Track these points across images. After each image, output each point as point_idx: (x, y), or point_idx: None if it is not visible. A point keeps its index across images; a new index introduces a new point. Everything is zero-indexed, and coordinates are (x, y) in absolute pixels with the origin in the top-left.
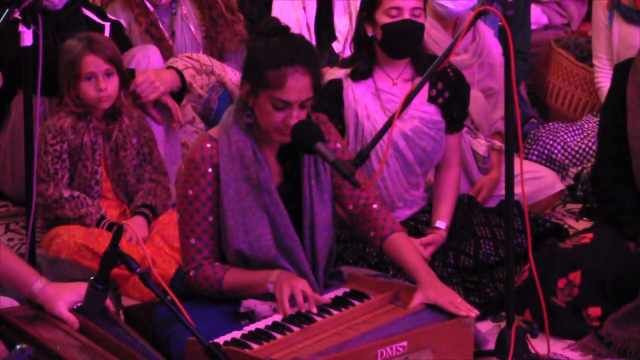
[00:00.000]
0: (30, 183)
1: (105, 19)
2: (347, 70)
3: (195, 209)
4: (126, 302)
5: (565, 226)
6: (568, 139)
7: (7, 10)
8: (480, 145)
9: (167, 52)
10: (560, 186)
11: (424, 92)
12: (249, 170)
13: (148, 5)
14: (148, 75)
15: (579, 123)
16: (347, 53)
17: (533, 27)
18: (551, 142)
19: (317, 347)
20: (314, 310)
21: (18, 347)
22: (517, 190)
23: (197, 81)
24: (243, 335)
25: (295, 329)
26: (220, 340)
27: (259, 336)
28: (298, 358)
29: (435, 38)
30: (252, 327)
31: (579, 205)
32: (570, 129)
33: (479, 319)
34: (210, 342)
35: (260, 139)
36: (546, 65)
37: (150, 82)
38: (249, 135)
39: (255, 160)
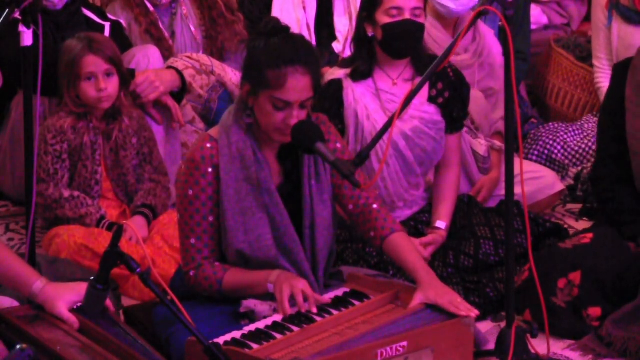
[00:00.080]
0: (30, 183)
1: (105, 19)
2: (347, 70)
3: (195, 208)
4: (126, 302)
5: (565, 226)
6: (568, 139)
7: (7, 10)
8: (480, 145)
9: (167, 52)
10: (560, 186)
11: (424, 92)
12: (249, 170)
13: (148, 5)
14: (148, 75)
15: (579, 123)
16: (347, 53)
17: (533, 27)
18: (551, 142)
19: (317, 347)
20: (314, 310)
21: (18, 347)
22: (517, 190)
23: (197, 81)
24: (243, 335)
25: (295, 329)
26: (220, 340)
27: (259, 336)
28: (298, 358)
29: (436, 38)
30: (252, 327)
31: (579, 205)
32: (570, 129)
33: (479, 319)
34: (210, 342)
35: (260, 139)
36: (546, 65)
37: (150, 82)
38: (249, 135)
39: (256, 160)
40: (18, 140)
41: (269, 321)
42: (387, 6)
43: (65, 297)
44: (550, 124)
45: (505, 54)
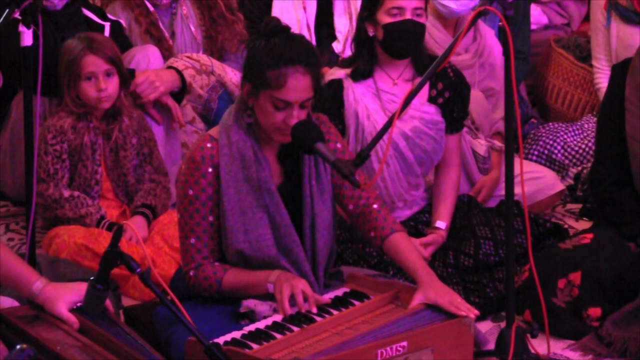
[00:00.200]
0: (30, 183)
1: (105, 19)
2: (348, 71)
3: (195, 208)
4: (126, 302)
5: (565, 226)
6: (568, 139)
7: (7, 10)
8: (481, 145)
9: (167, 52)
10: (560, 186)
11: (424, 92)
12: (249, 170)
13: (148, 5)
14: (148, 75)
15: (579, 123)
16: (347, 53)
17: (533, 27)
18: (551, 142)
19: (317, 347)
20: (314, 310)
21: (18, 347)
22: (517, 190)
23: (197, 81)
24: (243, 335)
25: (295, 329)
26: (220, 340)
27: (259, 336)
28: (298, 358)
29: (437, 38)
30: (252, 327)
31: (579, 205)
32: (570, 129)
33: (479, 319)
34: (210, 342)
35: (260, 138)
36: (546, 65)
37: (150, 82)
38: (249, 135)
39: (256, 160)
40: (18, 140)
41: (269, 321)
42: (388, 6)
43: (65, 297)
44: (550, 124)
45: (505, 54)
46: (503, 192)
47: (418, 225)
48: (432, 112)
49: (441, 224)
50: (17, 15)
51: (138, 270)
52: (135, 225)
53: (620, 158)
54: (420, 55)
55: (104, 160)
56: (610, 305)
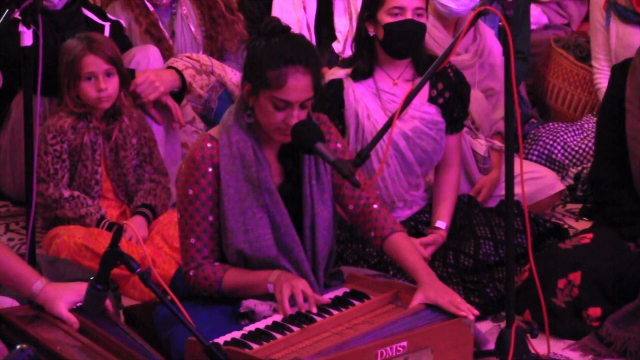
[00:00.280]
0: (30, 183)
1: (105, 19)
2: (348, 70)
3: (195, 208)
4: (126, 302)
5: (565, 226)
6: (568, 139)
7: (7, 10)
8: (480, 145)
9: (167, 52)
10: (560, 186)
11: (425, 92)
12: (249, 170)
13: (148, 5)
14: (148, 75)
15: (579, 123)
16: (347, 53)
17: (533, 27)
18: (551, 142)
19: (317, 347)
20: (314, 310)
21: (18, 347)
22: (517, 190)
23: (197, 81)
24: (243, 335)
25: (295, 329)
26: (220, 340)
27: (259, 336)
28: (298, 358)
29: (437, 38)
30: (252, 327)
31: (579, 205)
32: (570, 129)
33: (479, 319)
34: (210, 342)
35: (260, 138)
36: (546, 65)
37: (150, 82)
38: (249, 135)
39: (256, 160)
40: (18, 140)
41: (269, 321)
42: (389, 6)
43: (65, 297)
44: (550, 124)
45: (505, 54)
46: (503, 192)
47: (418, 225)
48: (433, 112)
49: (441, 224)
50: (17, 15)
51: (138, 270)
52: (135, 225)
53: (620, 159)
54: (421, 55)
55: (104, 160)
56: (610, 305)
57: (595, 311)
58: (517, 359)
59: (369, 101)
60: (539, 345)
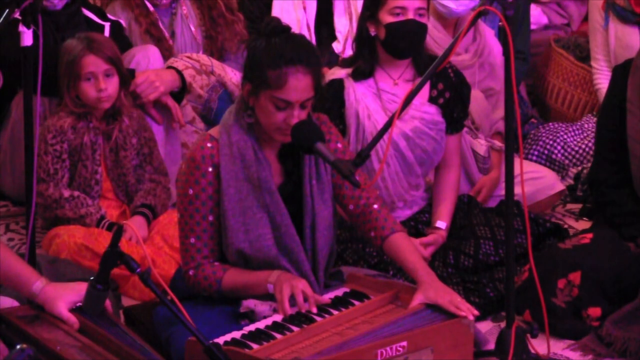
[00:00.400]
0: (30, 183)
1: (105, 19)
2: (349, 70)
3: (195, 208)
4: (126, 302)
5: (565, 226)
6: (568, 139)
7: (7, 10)
8: (480, 145)
9: (167, 52)
10: (560, 186)
11: (425, 92)
12: (249, 169)
13: (148, 5)
14: (148, 75)
15: (579, 123)
16: (347, 53)
17: (533, 27)
18: (551, 142)
19: (317, 347)
20: (314, 310)
21: (18, 347)
22: (517, 190)
23: (197, 81)
24: (243, 335)
25: (295, 329)
26: (220, 340)
27: (259, 336)
28: (298, 358)
29: (436, 38)
30: (252, 327)
31: (579, 205)
32: (570, 129)
33: (479, 319)
34: (210, 342)
35: (261, 138)
36: (546, 65)
37: (150, 82)
38: (250, 134)
39: (256, 159)
40: (18, 140)
41: (269, 321)
42: (391, 5)
43: (65, 297)
44: (550, 124)
45: (505, 54)
46: (503, 192)
47: (418, 225)
48: (433, 113)
49: (441, 224)
50: (17, 15)
51: (138, 270)
52: (135, 225)
53: (620, 159)
54: (421, 55)
55: (104, 160)
56: (610, 305)
57: (595, 311)
58: (517, 359)
59: (370, 101)
60: (539, 345)
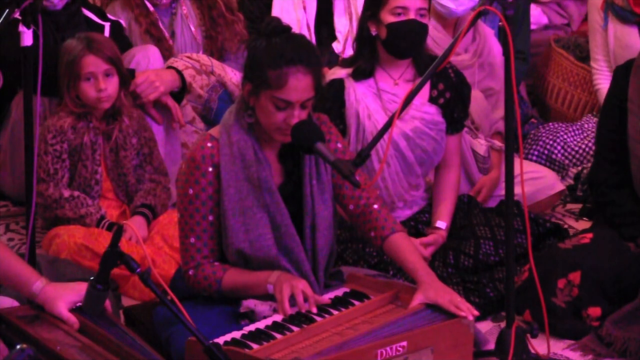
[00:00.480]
0: (30, 183)
1: (105, 19)
2: (349, 70)
3: (195, 208)
4: (126, 302)
5: (565, 226)
6: (568, 139)
7: (7, 10)
8: (480, 145)
9: (167, 52)
10: (560, 186)
11: (425, 92)
12: (249, 169)
13: (148, 5)
14: (148, 75)
15: (579, 123)
16: (347, 53)
17: (533, 27)
18: (551, 142)
19: (317, 347)
20: (314, 310)
21: (18, 347)
22: (517, 190)
23: (197, 81)
24: (243, 335)
25: (295, 329)
26: (220, 340)
27: (259, 336)
28: (298, 358)
29: (436, 38)
30: (252, 327)
31: (579, 205)
32: (570, 129)
33: (479, 319)
34: (210, 342)
35: (261, 138)
36: (546, 65)
37: (150, 82)
38: (250, 134)
39: (256, 159)
40: (18, 140)
41: (269, 321)
42: (392, 5)
43: (65, 297)
44: (550, 124)
45: (505, 54)
46: (503, 192)
47: (418, 225)
48: (433, 113)
49: (441, 224)
50: (17, 15)
51: (138, 270)
52: (135, 225)
53: (620, 160)
54: (422, 55)
55: (104, 160)
56: (610, 305)
57: (595, 311)
58: (517, 359)
59: (370, 101)
60: (539, 345)
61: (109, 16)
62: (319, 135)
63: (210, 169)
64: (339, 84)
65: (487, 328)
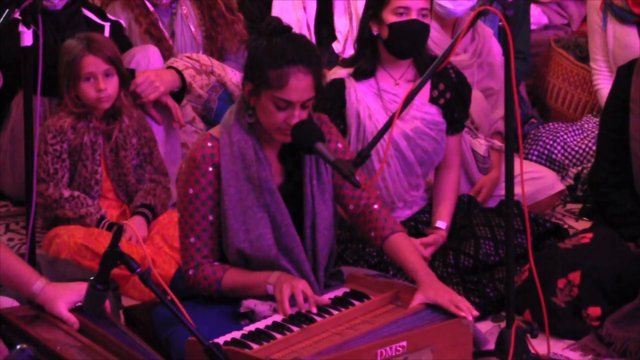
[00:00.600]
0: (30, 183)
1: (105, 19)
2: (350, 70)
3: (195, 207)
4: (126, 302)
5: (565, 226)
6: (568, 139)
7: (7, 10)
8: (480, 145)
9: (167, 52)
10: (560, 186)
11: (426, 92)
12: (250, 169)
13: (148, 5)
14: (148, 75)
15: (579, 123)
16: (347, 53)
17: (533, 27)
18: (551, 142)
19: (317, 347)
20: (314, 310)
21: (18, 347)
22: (517, 190)
23: (197, 81)
24: (243, 335)
25: (295, 329)
26: (220, 340)
27: (259, 336)
28: (298, 358)
29: (435, 38)
30: (252, 327)
31: (579, 205)
32: (570, 129)
33: (479, 319)
34: (210, 342)
35: (261, 138)
36: (546, 65)
37: (150, 82)
38: (250, 134)
39: (257, 159)
40: (18, 140)
41: (269, 321)
42: (394, 5)
43: (65, 297)
44: (550, 124)
45: (505, 54)
46: (503, 192)
47: (418, 225)
48: (434, 113)
49: (441, 224)
50: (17, 15)
51: (138, 270)
52: (135, 225)
53: (621, 160)
54: (423, 56)
55: (104, 160)
56: (610, 305)
57: (595, 311)
58: (517, 359)
59: (371, 101)
60: (539, 345)
61: (109, 16)
62: (319, 135)
63: (211, 169)
64: (339, 83)
65: (487, 328)
